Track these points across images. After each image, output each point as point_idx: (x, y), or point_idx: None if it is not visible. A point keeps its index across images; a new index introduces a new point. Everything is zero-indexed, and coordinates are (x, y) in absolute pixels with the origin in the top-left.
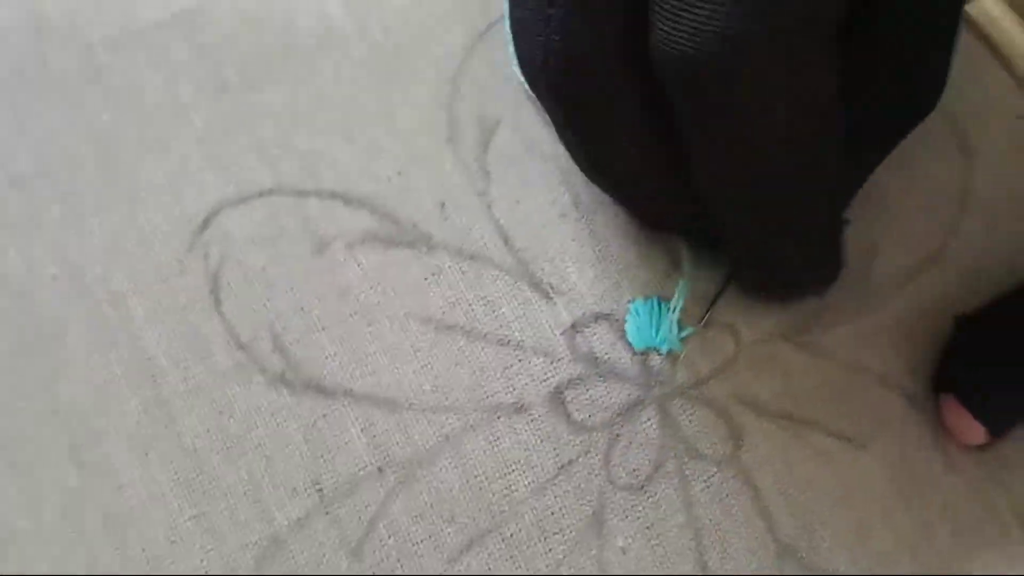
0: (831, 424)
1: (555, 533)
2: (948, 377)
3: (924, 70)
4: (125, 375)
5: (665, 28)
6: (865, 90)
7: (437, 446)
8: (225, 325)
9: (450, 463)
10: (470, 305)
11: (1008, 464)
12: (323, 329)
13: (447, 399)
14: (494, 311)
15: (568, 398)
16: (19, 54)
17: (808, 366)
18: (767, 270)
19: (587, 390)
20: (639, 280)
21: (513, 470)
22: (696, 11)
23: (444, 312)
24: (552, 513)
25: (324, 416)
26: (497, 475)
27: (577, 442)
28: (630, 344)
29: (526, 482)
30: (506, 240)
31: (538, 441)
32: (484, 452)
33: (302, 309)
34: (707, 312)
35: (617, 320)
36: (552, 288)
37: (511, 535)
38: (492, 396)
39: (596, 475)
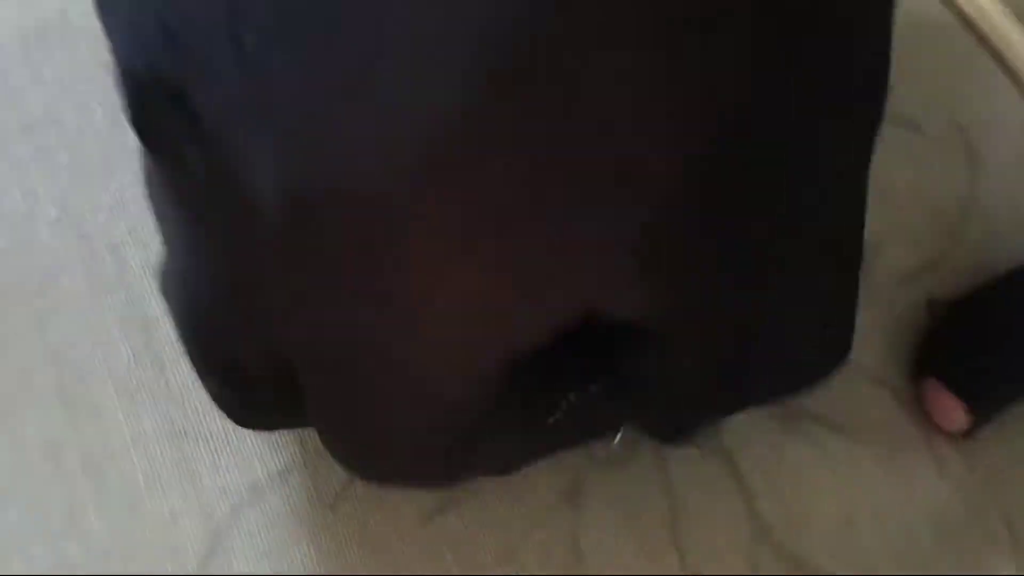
0: (823, 415)
1: (530, 501)
2: (929, 359)
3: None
4: (118, 322)
5: None
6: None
7: None
8: None
9: None
10: None
11: (1000, 472)
12: None
13: None
14: None
15: None
16: (41, 7)
17: None
18: None
19: None
20: None
21: None
22: None
23: None
24: (528, 481)
25: None
26: None
27: None
28: None
29: None
30: None
31: None
32: None
33: None
34: None
35: None
36: None
37: (485, 499)
38: None
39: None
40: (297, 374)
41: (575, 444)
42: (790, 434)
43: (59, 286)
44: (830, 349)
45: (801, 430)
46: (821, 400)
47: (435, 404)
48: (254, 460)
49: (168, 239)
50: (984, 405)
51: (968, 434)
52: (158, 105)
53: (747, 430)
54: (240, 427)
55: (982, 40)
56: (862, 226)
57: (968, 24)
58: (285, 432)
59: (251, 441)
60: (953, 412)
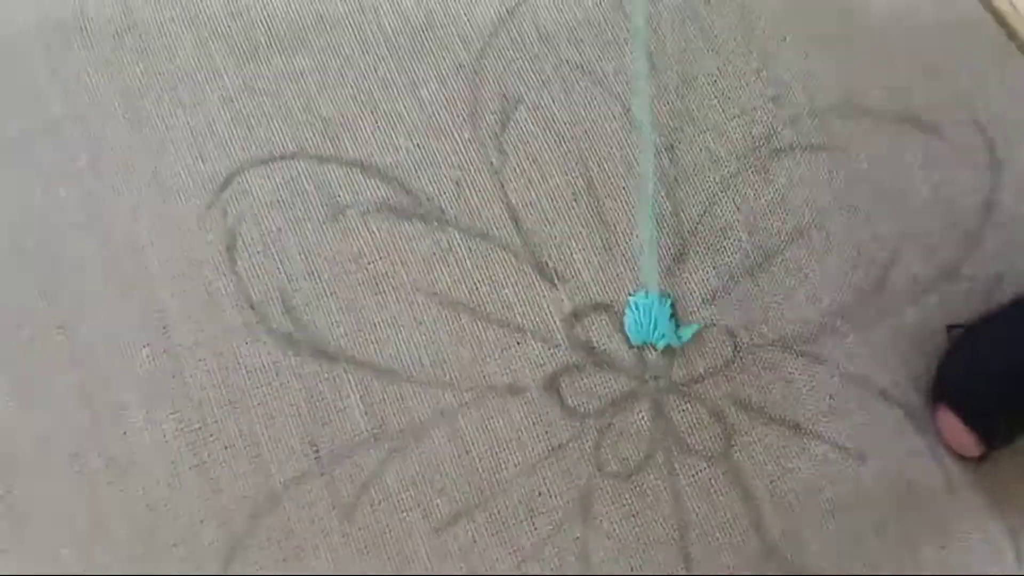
0: (829, 433)
1: (541, 513)
2: (942, 386)
3: None
4: (139, 323)
5: None
6: None
7: (432, 419)
8: (238, 283)
9: (443, 437)
10: (476, 284)
11: (1009, 489)
12: (332, 295)
13: (445, 374)
14: (498, 292)
15: (563, 384)
16: (60, 4)
17: (808, 375)
18: None
19: (582, 378)
20: (642, 272)
21: (504, 449)
22: None
23: (450, 288)
24: (539, 494)
25: (326, 380)
26: (488, 452)
27: (569, 427)
28: (627, 337)
29: (516, 461)
30: (516, 222)
31: (530, 423)
32: (477, 429)
33: (313, 273)
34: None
35: (617, 312)
36: (556, 274)
37: (498, 511)
38: (489, 376)
39: (586, 460)
40: None
41: None
42: (797, 451)
43: (80, 289)
44: None
45: (809, 448)
46: (830, 417)
47: None
48: (271, 467)
49: None
50: (996, 435)
51: (981, 459)
52: None
53: (755, 447)
54: (259, 435)
55: (1011, 35)
56: None
57: (999, 18)
58: (300, 438)
59: (268, 449)
60: (966, 440)
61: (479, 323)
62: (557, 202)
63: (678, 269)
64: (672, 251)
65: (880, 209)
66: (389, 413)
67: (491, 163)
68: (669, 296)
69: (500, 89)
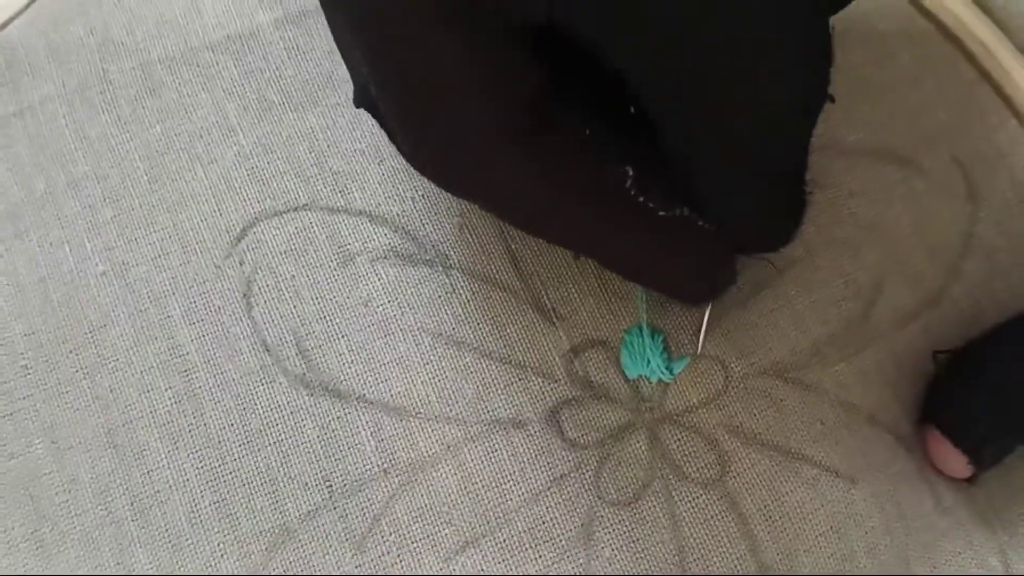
0: (820, 457)
1: (545, 541)
2: (930, 409)
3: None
4: (161, 368)
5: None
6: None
7: (439, 453)
8: (254, 328)
9: (450, 470)
10: (479, 324)
11: (998, 508)
12: (343, 337)
13: (451, 410)
14: (500, 331)
15: (563, 417)
16: (85, 68)
17: (799, 401)
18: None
19: (581, 411)
20: (635, 310)
21: (508, 480)
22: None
23: (455, 328)
24: (543, 522)
25: (338, 418)
26: (493, 484)
27: (570, 458)
28: (623, 371)
29: (520, 492)
30: (516, 265)
31: (533, 455)
32: (482, 461)
33: (325, 317)
34: (700, 343)
35: (612, 348)
36: (555, 313)
37: (504, 540)
38: (493, 410)
39: (586, 490)
40: None
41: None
42: (789, 476)
43: (106, 336)
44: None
45: (801, 472)
46: (820, 442)
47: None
48: (287, 503)
49: None
50: (985, 456)
51: (971, 480)
52: None
53: (749, 473)
54: (275, 471)
55: (984, 76)
56: None
57: (969, 57)
58: (314, 474)
59: (283, 485)
60: (956, 463)
61: (483, 361)
62: (554, 246)
63: (670, 304)
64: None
65: (865, 241)
66: (398, 448)
67: None
68: (661, 333)
69: None
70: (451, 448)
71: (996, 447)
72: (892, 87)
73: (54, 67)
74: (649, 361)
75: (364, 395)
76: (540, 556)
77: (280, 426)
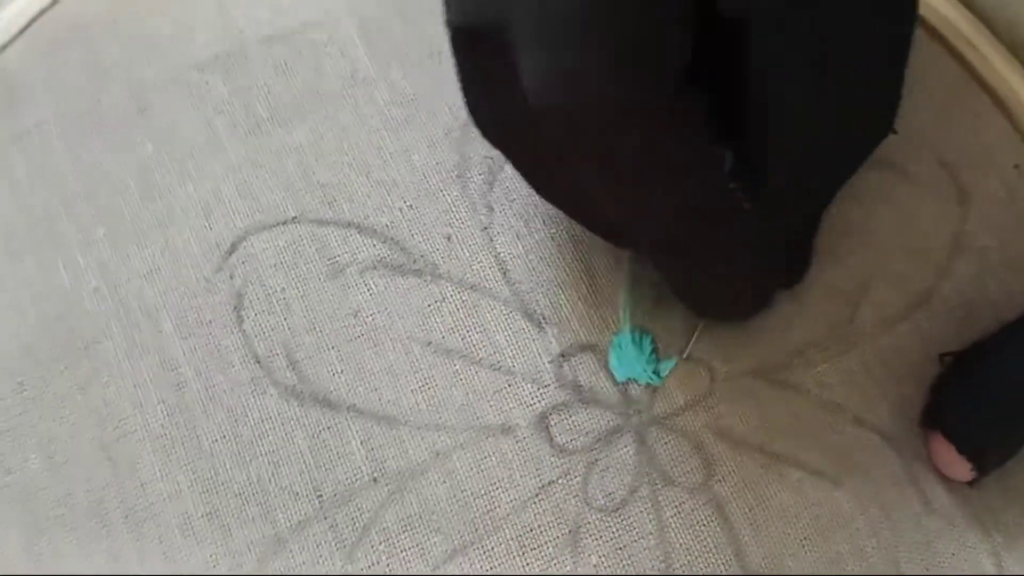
0: (805, 459)
1: (533, 549)
2: (935, 413)
3: (873, 92)
4: (153, 382)
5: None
6: (816, 116)
7: (428, 461)
8: (245, 340)
9: (439, 478)
10: (467, 332)
11: (992, 507)
12: (332, 347)
13: (440, 418)
14: (489, 338)
15: (552, 422)
16: (76, 90)
17: (784, 403)
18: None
19: (570, 416)
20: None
21: (496, 487)
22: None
23: (444, 337)
24: (531, 530)
25: (328, 428)
26: (482, 491)
27: (558, 464)
28: (612, 374)
29: (508, 499)
30: (505, 273)
31: (521, 462)
32: (471, 469)
33: (315, 329)
34: (688, 346)
35: (601, 351)
36: (544, 319)
37: (491, 548)
38: (482, 417)
39: (574, 496)
40: None
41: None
42: (774, 479)
43: (100, 351)
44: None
45: (786, 475)
46: (804, 444)
47: None
48: (278, 513)
49: None
50: (988, 461)
51: (972, 483)
52: None
53: (734, 476)
54: (267, 482)
55: (974, 76)
56: None
57: (956, 57)
58: (304, 484)
59: (274, 495)
60: (960, 468)
61: (472, 368)
62: (542, 253)
63: (657, 308)
64: (652, 291)
65: (849, 246)
66: (388, 456)
67: (480, 220)
68: (649, 334)
69: (486, 151)
70: (440, 456)
71: (999, 452)
72: None
73: (49, 92)
74: (637, 363)
75: (354, 404)
76: (527, 564)
77: (271, 437)
